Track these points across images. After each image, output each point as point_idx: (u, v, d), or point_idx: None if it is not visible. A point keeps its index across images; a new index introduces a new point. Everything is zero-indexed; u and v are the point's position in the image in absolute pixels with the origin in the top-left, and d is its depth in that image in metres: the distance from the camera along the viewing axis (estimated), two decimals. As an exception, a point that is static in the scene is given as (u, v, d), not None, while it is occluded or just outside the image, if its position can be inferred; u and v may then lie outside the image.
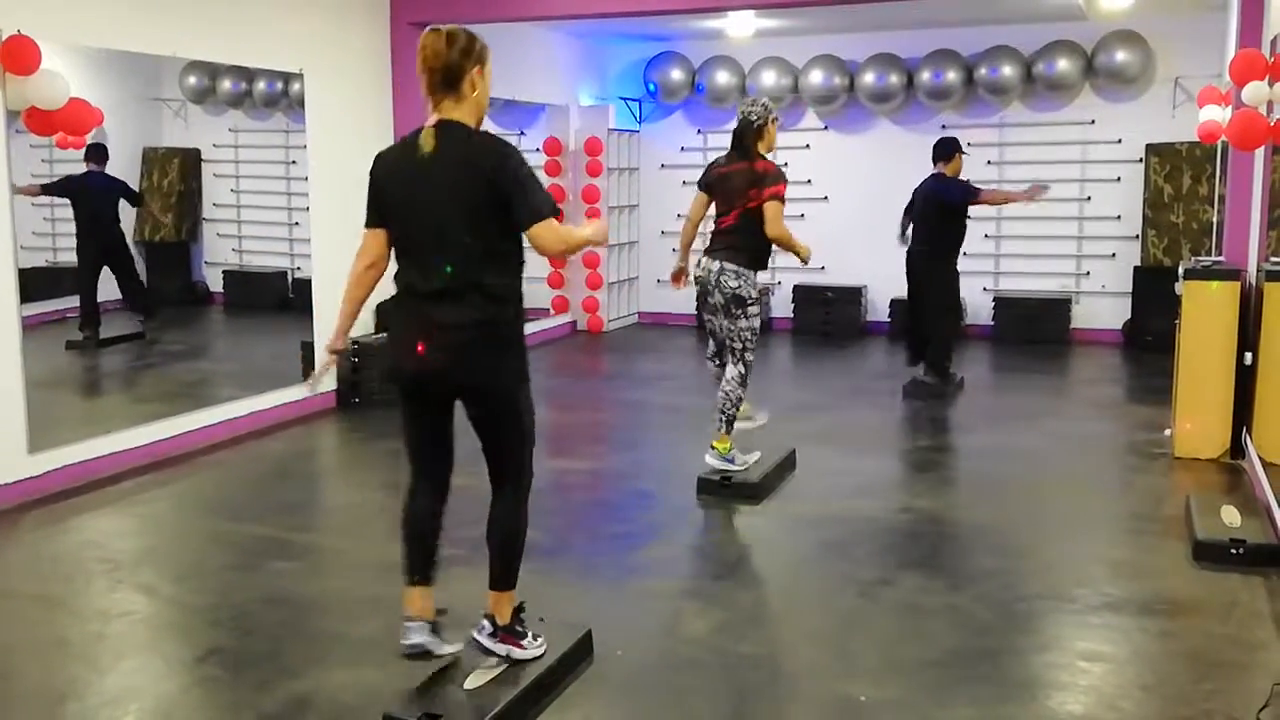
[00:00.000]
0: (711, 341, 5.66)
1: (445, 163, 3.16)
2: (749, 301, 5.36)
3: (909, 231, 7.86)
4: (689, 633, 3.95)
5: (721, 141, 11.28)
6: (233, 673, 3.67)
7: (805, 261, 5.47)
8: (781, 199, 5.29)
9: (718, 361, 5.62)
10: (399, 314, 3.31)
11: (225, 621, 4.08)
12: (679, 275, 5.80)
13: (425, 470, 3.43)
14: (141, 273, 8.22)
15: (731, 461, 5.51)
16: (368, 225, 3.35)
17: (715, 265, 5.37)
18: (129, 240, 7.87)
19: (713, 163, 5.62)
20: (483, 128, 3.30)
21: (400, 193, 3.25)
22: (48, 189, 7.18)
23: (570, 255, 3.42)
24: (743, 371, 5.46)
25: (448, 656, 3.42)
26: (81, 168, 7.27)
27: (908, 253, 7.83)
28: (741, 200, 5.34)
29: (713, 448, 5.52)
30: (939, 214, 7.61)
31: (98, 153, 7.31)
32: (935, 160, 7.73)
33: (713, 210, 5.57)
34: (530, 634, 3.51)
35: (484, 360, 3.21)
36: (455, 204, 3.16)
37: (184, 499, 5.77)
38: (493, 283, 3.19)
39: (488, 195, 3.14)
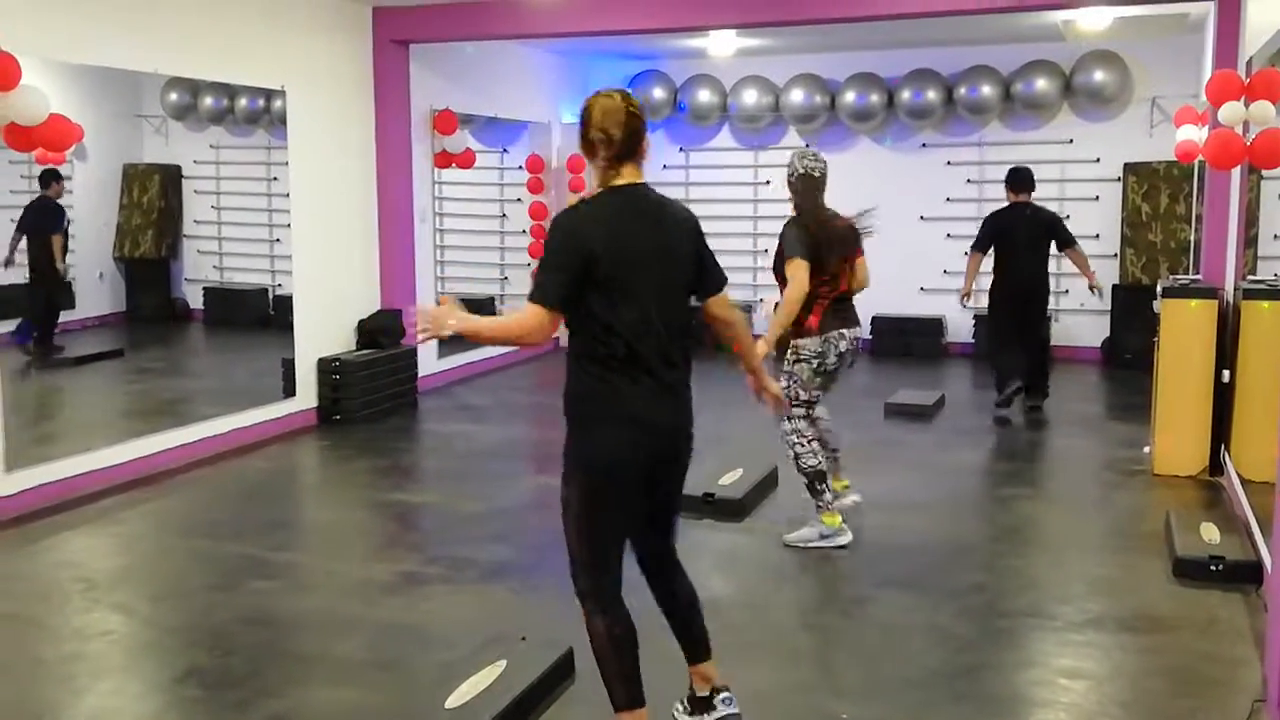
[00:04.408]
0: (810, 424, 5.28)
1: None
2: None
3: (1015, 261, 7.80)
4: (670, 651, 3.93)
5: (703, 159, 11.44)
6: (211, 693, 3.64)
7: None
8: None
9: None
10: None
11: (204, 641, 4.05)
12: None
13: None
14: (121, 289, 8.20)
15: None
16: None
17: (860, 331, 5.28)
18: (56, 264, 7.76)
19: (805, 226, 5.05)
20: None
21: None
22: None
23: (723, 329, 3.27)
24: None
25: None
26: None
27: (1024, 280, 7.78)
28: (848, 260, 5.17)
29: (846, 488, 5.53)
30: (1051, 241, 7.80)
31: (45, 179, 7.33)
32: (1029, 190, 7.82)
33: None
34: None
35: None
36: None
37: (162, 518, 5.72)
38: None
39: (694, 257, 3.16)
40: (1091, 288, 7.92)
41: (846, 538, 5.08)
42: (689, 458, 3.18)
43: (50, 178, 7.28)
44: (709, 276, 3.18)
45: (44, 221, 7.45)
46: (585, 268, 2.89)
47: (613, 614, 3.05)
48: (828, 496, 5.10)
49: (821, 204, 5.15)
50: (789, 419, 5.07)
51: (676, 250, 3.09)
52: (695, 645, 3.31)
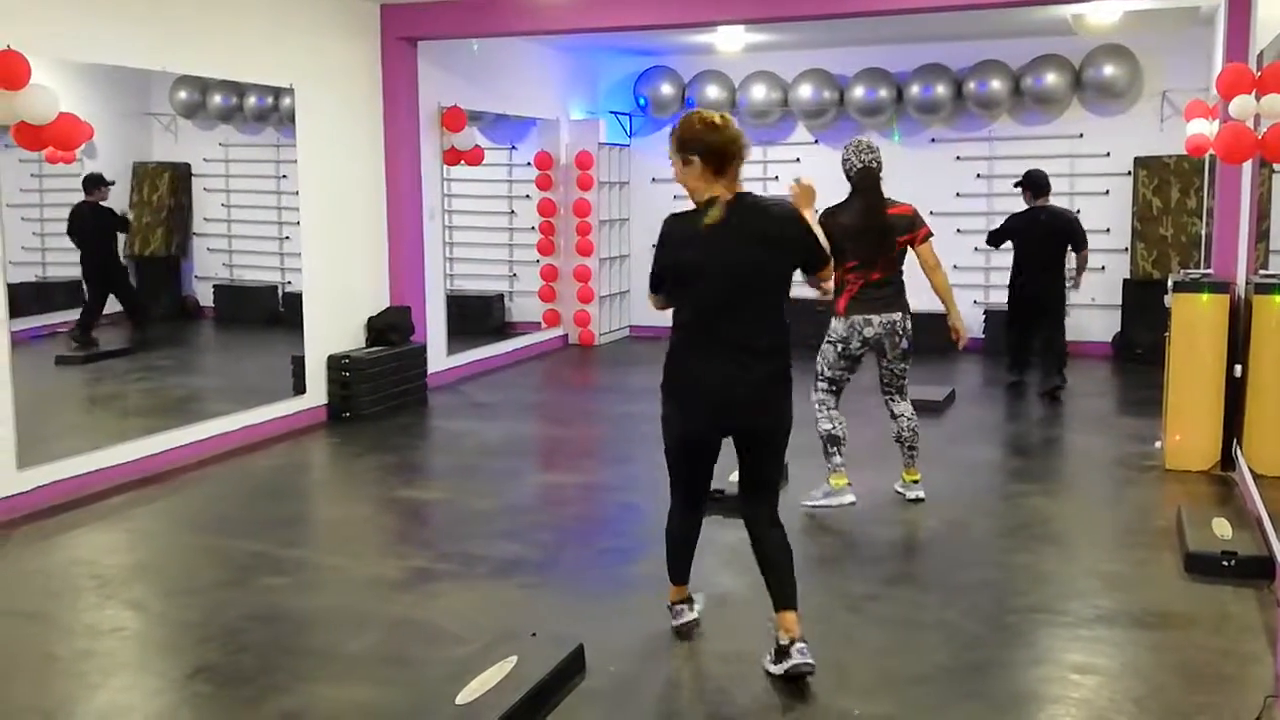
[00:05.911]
0: (836, 399, 5.58)
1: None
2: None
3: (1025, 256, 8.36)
4: (680, 648, 3.95)
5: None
6: (223, 689, 3.65)
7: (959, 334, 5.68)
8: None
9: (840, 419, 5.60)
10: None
11: (215, 638, 4.06)
12: None
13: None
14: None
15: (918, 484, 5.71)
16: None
17: (896, 316, 5.40)
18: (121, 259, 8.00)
19: (836, 217, 5.17)
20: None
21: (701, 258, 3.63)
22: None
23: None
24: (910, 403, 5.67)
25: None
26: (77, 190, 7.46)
27: (1037, 283, 8.25)
28: (892, 248, 5.35)
29: (915, 482, 5.69)
30: (1068, 243, 8.22)
31: (88, 183, 7.44)
32: (1045, 193, 8.22)
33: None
34: None
35: None
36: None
37: (173, 515, 5.75)
38: None
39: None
40: (1074, 280, 8.46)
41: (848, 498, 5.47)
42: (768, 434, 3.74)
43: (98, 182, 7.47)
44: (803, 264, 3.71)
45: (106, 224, 7.73)
46: (668, 267, 3.65)
47: (672, 520, 3.98)
48: (836, 460, 5.50)
49: (851, 203, 5.38)
50: (815, 390, 5.54)
51: (746, 255, 3.55)
52: (776, 595, 3.71)
